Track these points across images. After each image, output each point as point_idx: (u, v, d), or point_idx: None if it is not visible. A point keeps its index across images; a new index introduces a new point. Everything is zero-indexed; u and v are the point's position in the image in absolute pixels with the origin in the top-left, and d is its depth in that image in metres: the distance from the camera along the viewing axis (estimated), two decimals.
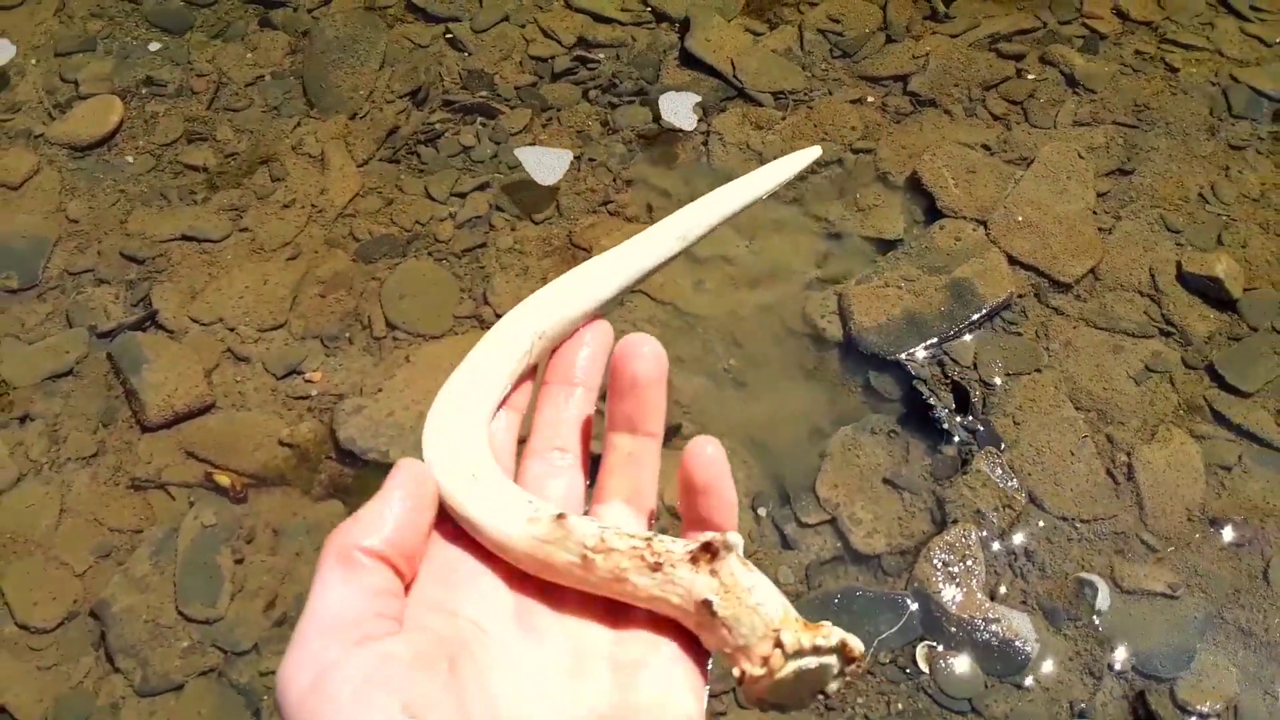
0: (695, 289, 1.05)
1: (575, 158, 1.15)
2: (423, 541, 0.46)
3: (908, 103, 1.20)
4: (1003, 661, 0.80)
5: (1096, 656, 0.81)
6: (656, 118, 1.20)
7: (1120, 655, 0.81)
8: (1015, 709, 0.79)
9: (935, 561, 0.85)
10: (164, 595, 0.87)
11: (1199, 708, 0.78)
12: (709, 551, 0.43)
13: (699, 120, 1.19)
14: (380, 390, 0.98)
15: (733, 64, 1.24)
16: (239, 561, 0.89)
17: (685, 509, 0.48)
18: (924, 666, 0.80)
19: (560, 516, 0.46)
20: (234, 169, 1.17)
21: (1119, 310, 1.01)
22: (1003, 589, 0.84)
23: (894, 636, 0.82)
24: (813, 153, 0.62)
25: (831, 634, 0.42)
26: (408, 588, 0.46)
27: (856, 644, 0.42)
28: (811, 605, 0.83)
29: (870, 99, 1.20)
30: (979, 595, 0.83)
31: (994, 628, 0.81)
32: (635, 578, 0.44)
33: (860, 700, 0.80)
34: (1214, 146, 1.14)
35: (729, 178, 1.16)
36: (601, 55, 1.27)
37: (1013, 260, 1.04)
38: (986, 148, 1.15)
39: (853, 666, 0.43)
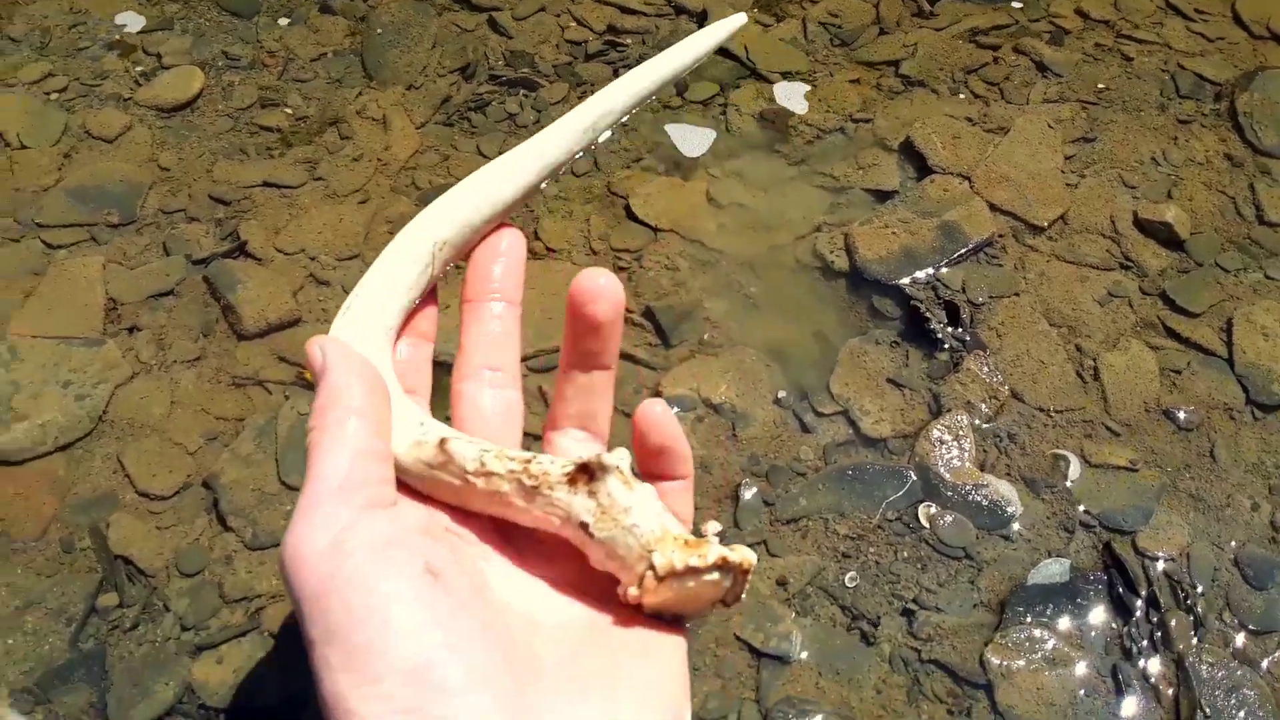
0: (718, 230, 1.20)
1: (623, 124, 1.31)
2: (385, 401, 0.46)
3: (899, 83, 1.37)
4: (991, 518, 0.94)
5: (1070, 515, 0.96)
6: (680, 92, 1.36)
7: (1089, 514, 0.96)
8: (1002, 554, 0.93)
9: (933, 440, 0.99)
10: (267, 469, 1.00)
11: (1157, 553, 0.93)
12: (586, 473, 0.42)
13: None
14: (448, 307, 1.12)
15: (745, 49, 1.41)
16: None
17: (643, 467, 0.48)
18: (925, 523, 0.94)
19: (443, 441, 0.44)
20: (305, 129, 1.32)
21: (1085, 248, 1.18)
22: (990, 463, 0.99)
23: (899, 500, 0.96)
24: (738, 19, 0.62)
25: (710, 552, 0.41)
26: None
27: (741, 557, 0.41)
28: (829, 477, 0.98)
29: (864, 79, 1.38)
30: (970, 466, 0.98)
31: (983, 492, 0.96)
32: (515, 500, 0.43)
33: (872, 550, 0.94)
34: (1164, 120, 1.32)
35: (744, 140, 1.32)
36: (629, 40, 1.43)
37: (993, 207, 1.20)
38: (969, 120, 1.32)
39: (745, 578, 0.42)
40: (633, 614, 0.45)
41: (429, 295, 0.56)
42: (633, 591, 0.42)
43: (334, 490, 0.42)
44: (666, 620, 0.46)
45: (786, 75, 1.38)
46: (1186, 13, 1.46)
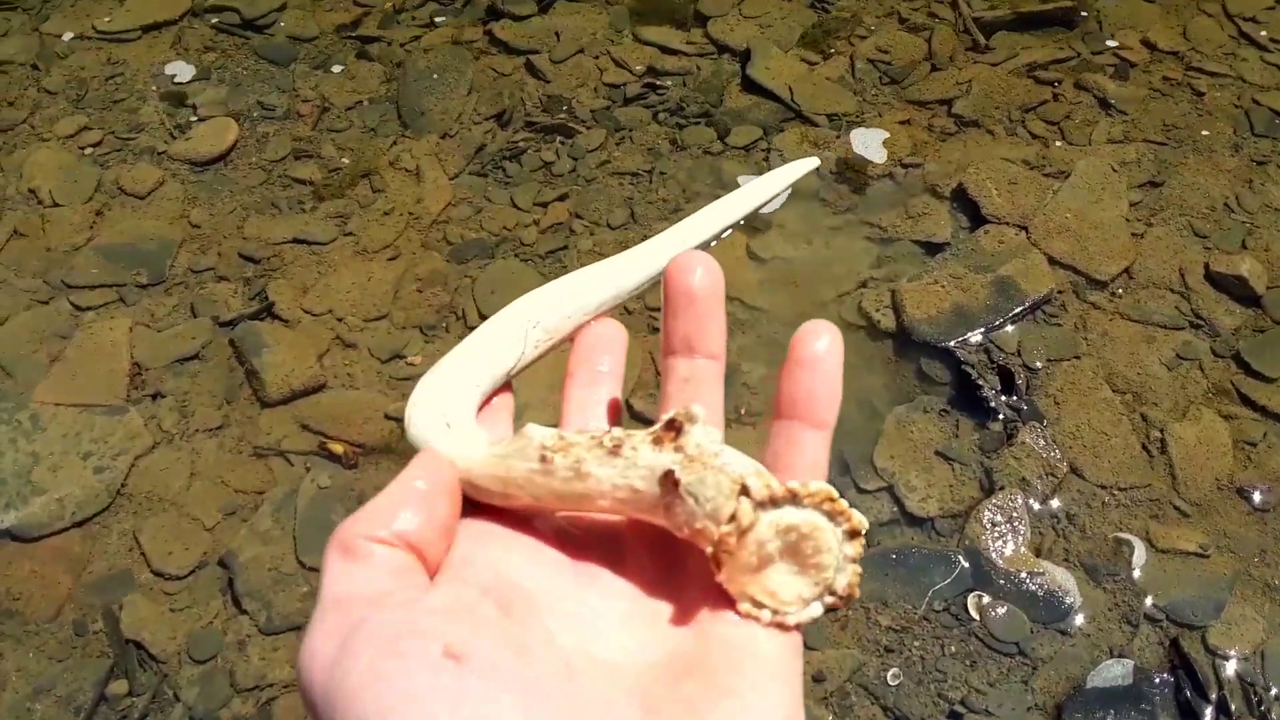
0: (760, 286, 1.15)
1: (647, 171, 1.27)
2: (441, 534, 0.41)
3: (952, 123, 1.30)
4: (1047, 610, 0.87)
5: (1134, 607, 0.89)
6: (721, 137, 1.31)
7: (1155, 606, 0.88)
8: (1059, 651, 0.86)
9: (985, 522, 0.93)
10: (285, 547, 0.97)
11: (1229, 651, 0.85)
12: (673, 428, 0.39)
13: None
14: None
15: (790, 90, 1.35)
16: None
17: (784, 387, 0.45)
18: (975, 614, 0.88)
19: (527, 435, 0.42)
20: (337, 182, 1.29)
21: (1151, 305, 1.10)
22: (1047, 547, 0.92)
23: (947, 588, 0.90)
24: (810, 162, 0.62)
25: (812, 484, 0.37)
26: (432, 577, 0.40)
27: (852, 511, 0.36)
28: (871, 562, 0.92)
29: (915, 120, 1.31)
30: (1024, 551, 0.91)
31: (1039, 580, 0.89)
32: (596, 469, 0.40)
33: (917, 644, 0.88)
34: (1238, 162, 1.24)
35: (789, 189, 1.27)
36: (669, 82, 1.38)
37: (1052, 260, 1.13)
38: (1027, 163, 1.24)
39: (856, 540, 0.37)
40: (726, 628, 0.39)
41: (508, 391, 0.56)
42: (725, 529, 0.37)
43: (342, 599, 0.37)
44: (765, 619, 0.39)
45: (832, 117, 1.32)
46: (1261, 43, 1.37)
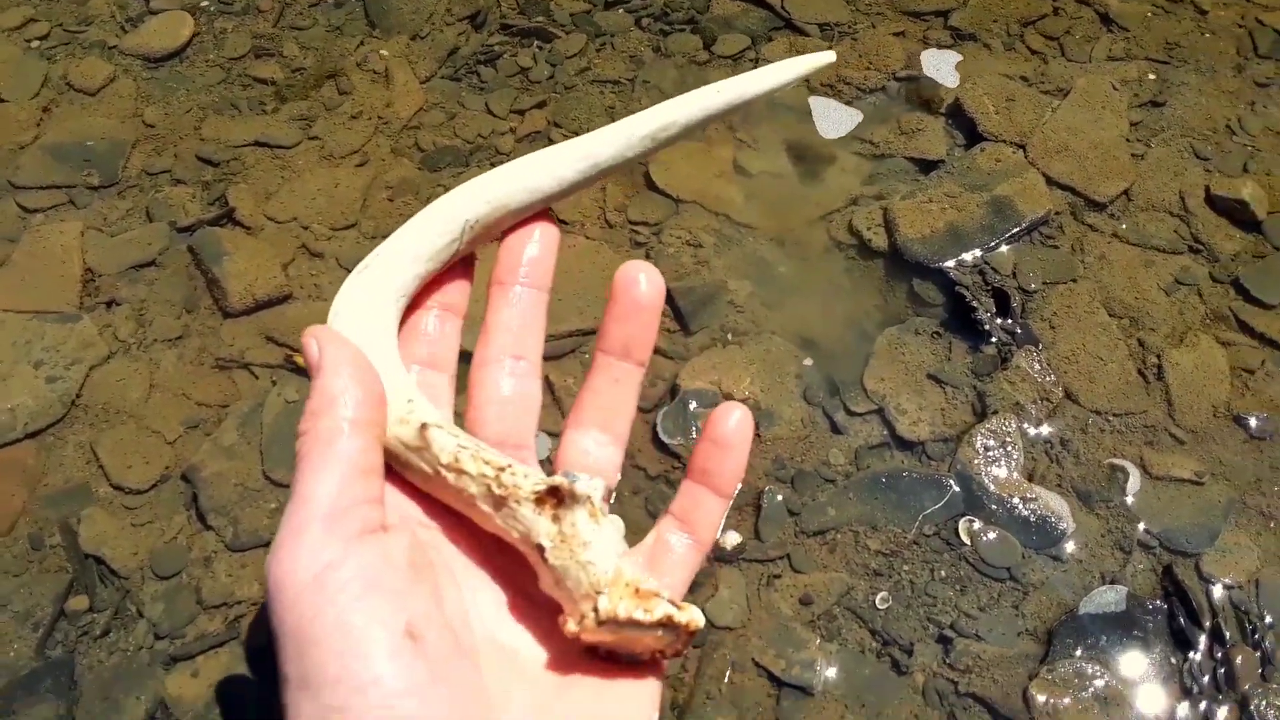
0: (747, 201, 1.10)
1: (629, 79, 1.21)
2: (382, 408, 0.45)
3: (948, 36, 1.25)
4: (1039, 536, 0.85)
5: (1127, 534, 0.87)
6: (707, 45, 1.25)
7: (1149, 533, 0.87)
8: (1050, 577, 0.84)
9: (977, 446, 0.90)
10: (251, 462, 0.93)
11: (1223, 579, 0.84)
12: (555, 496, 0.42)
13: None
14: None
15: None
16: None
17: (691, 466, 0.49)
18: (965, 539, 0.86)
19: (424, 426, 0.45)
20: (301, 83, 1.22)
21: (1150, 228, 1.07)
22: (1039, 472, 0.90)
23: (937, 512, 0.87)
24: (825, 57, 0.55)
25: (656, 609, 0.41)
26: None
27: (689, 618, 0.42)
28: (860, 485, 0.89)
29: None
30: (1017, 477, 0.89)
31: (1031, 505, 0.87)
32: (480, 505, 0.44)
33: (906, 568, 0.86)
34: (1240, 83, 1.20)
35: (777, 102, 1.21)
36: None
37: (1050, 181, 1.09)
38: (1025, 79, 1.20)
39: (689, 637, 0.43)
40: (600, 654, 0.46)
41: (464, 269, 0.55)
42: (571, 626, 0.42)
43: (322, 516, 0.40)
44: (630, 662, 0.46)
45: (824, 26, 1.27)
46: None
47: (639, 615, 0.40)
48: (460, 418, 0.50)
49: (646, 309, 0.49)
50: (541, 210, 0.52)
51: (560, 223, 1.08)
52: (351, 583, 0.39)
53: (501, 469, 0.43)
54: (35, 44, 1.25)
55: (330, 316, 0.51)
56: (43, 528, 0.90)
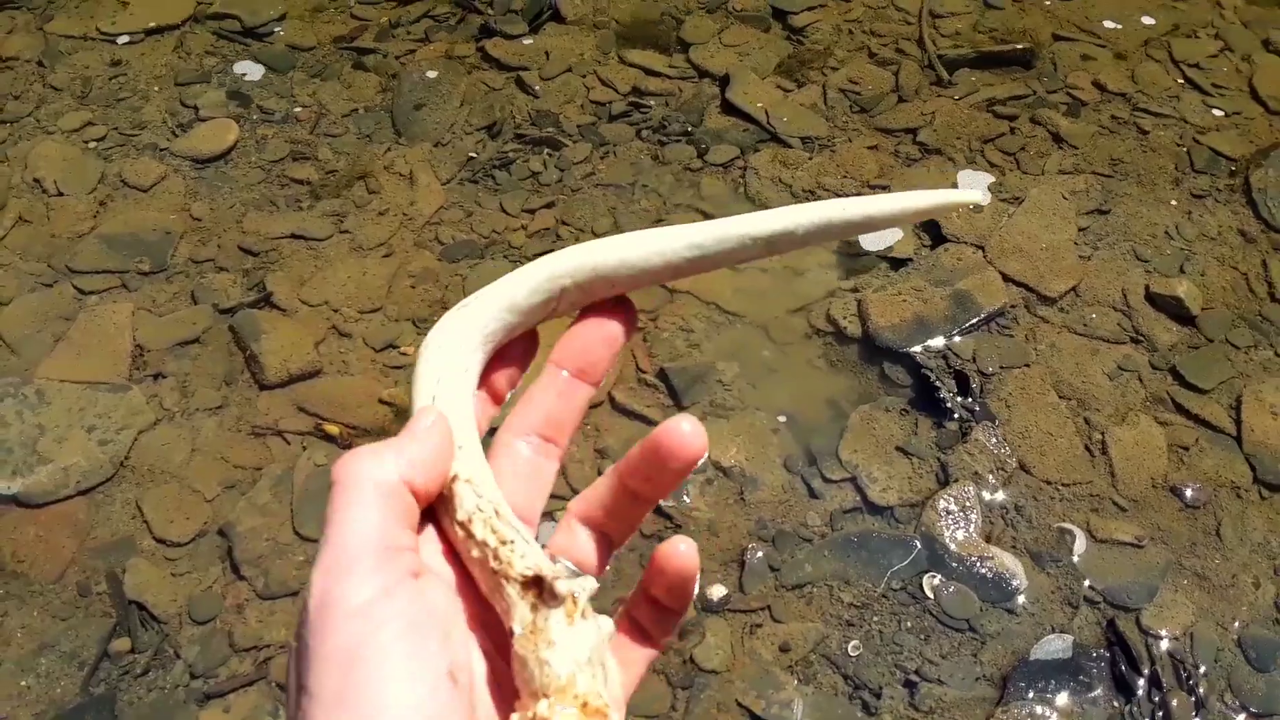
0: (735, 293, 1.22)
1: (630, 184, 1.34)
2: (438, 483, 0.45)
3: (917, 150, 1.40)
4: (995, 591, 0.95)
5: (1074, 590, 0.96)
6: (700, 154, 1.39)
7: (1094, 589, 0.96)
8: (1005, 628, 0.94)
9: (940, 510, 1.00)
10: (282, 519, 1.02)
11: (1161, 632, 0.93)
12: (537, 588, 0.43)
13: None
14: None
15: (766, 113, 1.44)
16: None
17: (644, 583, 0.47)
18: (929, 593, 0.95)
19: (454, 477, 0.45)
20: (334, 183, 1.35)
21: (1096, 321, 1.19)
22: (996, 534, 1.00)
23: (904, 569, 0.97)
24: (971, 195, 0.56)
25: None
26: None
27: None
28: (835, 544, 0.99)
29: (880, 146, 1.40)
30: (976, 538, 0.99)
31: (988, 564, 0.96)
32: (476, 569, 0.45)
33: (876, 619, 0.95)
34: (1178, 195, 1.34)
35: (763, 205, 1.35)
36: (652, 102, 1.46)
37: (1006, 278, 1.22)
38: (985, 189, 1.34)
39: None
40: None
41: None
42: (514, 718, 0.43)
43: (374, 547, 0.40)
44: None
45: (805, 140, 1.41)
46: (1204, 87, 1.48)
47: None
48: None
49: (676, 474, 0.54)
50: (630, 289, 0.57)
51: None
52: (401, 617, 0.39)
53: (504, 542, 0.44)
54: (93, 145, 1.38)
55: (423, 345, 0.49)
56: (90, 576, 0.99)
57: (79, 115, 1.42)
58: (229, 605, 0.97)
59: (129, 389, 1.12)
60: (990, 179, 1.35)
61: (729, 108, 1.45)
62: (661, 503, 1.02)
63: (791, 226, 0.49)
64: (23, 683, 0.92)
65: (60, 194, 1.32)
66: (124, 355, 1.15)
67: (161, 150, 1.39)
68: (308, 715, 0.37)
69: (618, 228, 1.30)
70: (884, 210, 0.49)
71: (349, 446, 1.08)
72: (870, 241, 1.27)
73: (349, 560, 0.40)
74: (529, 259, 1.27)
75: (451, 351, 0.49)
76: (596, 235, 1.28)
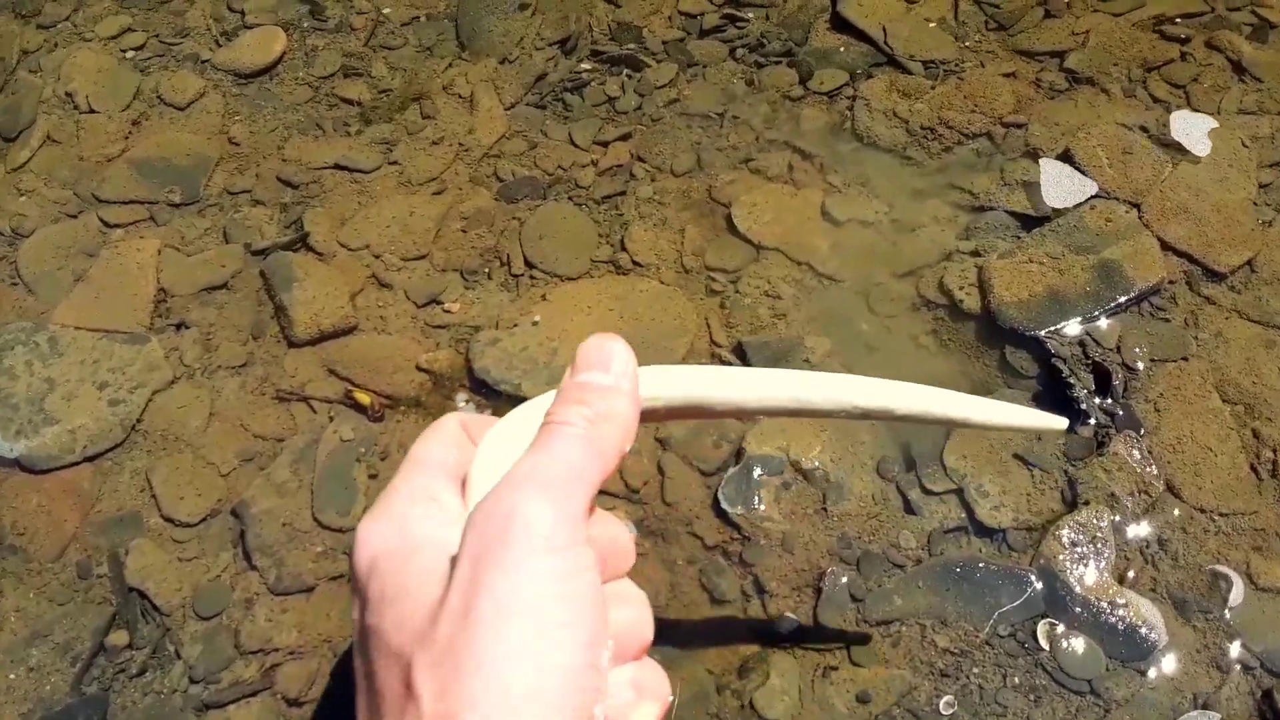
0: (832, 251, 1.05)
1: (719, 114, 1.16)
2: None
3: (1063, 79, 1.17)
4: (1127, 646, 0.78)
5: (1225, 650, 0.79)
6: (803, 80, 1.19)
7: (1249, 651, 0.79)
8: (1136, 695, 0.77)
9: (1064, 540, 0.83)
10: (301, 502, 0.91)
11: None
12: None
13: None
14: (516, 325, 1.00)
15: (884, 30, 1.23)
16: (373, 477, 0.92)
17: None
18: (1044, 643, 0.79)
19: None
20: (386, 104, 1.21)
21: (1275, 304, 0.97)
22: (1132, 574, 0.82)
23: (1015, 610, 0.81)
24: (1058, 422, 0.59)
25: None
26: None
27: None
28: (932, 573, 0.83)
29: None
30: (1107, 578, 0.82)
31: (1121, 612, 0.80)
32: None
33: (976, 670, 0.79)
34: None
35: (873, 144, 1.14)
36: (751, 15, 1.26)
37: (1166, 246, 1.01)
38: (1145, 130, 1.11)
39: None
40: None
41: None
42: None
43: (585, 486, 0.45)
44: None
45: (929, 64, 1.20)
46: None
47: None
48: None
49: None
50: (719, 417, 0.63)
51: (637, 264, 1.03)
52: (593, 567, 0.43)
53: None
54: (130, 55, 1.26)
55: (491, 432, 0.52)
56: (91, 555, 0.90)
57: (118, 20, 1.29)
58: (237, 599, 0.87)
59: (148, 340, 1.01)
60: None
61: (840, 23, 1.24)
62: (729, 510, 0.87)
63: (892, 406, 0.54)
64: (12, 675, 0.83)
65: (92, 110, 1.20)
66: (146, 300, 1.04)
67: (203, 62, 1.25)
68: (438, 619, 0.41)
69: (700, 167, 1.12)
70: (984, 419, 0.54)
71: (379, 419, 0.96)
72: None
73: (568, 489, 0.44)
74: (597, 203, 1.11)
75: (518, 441, 0.48)
76: (676, 175, 1.11)
